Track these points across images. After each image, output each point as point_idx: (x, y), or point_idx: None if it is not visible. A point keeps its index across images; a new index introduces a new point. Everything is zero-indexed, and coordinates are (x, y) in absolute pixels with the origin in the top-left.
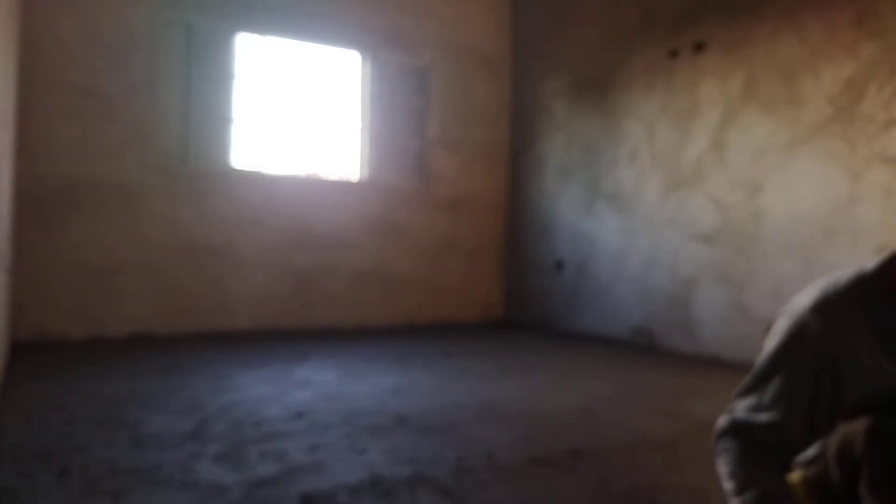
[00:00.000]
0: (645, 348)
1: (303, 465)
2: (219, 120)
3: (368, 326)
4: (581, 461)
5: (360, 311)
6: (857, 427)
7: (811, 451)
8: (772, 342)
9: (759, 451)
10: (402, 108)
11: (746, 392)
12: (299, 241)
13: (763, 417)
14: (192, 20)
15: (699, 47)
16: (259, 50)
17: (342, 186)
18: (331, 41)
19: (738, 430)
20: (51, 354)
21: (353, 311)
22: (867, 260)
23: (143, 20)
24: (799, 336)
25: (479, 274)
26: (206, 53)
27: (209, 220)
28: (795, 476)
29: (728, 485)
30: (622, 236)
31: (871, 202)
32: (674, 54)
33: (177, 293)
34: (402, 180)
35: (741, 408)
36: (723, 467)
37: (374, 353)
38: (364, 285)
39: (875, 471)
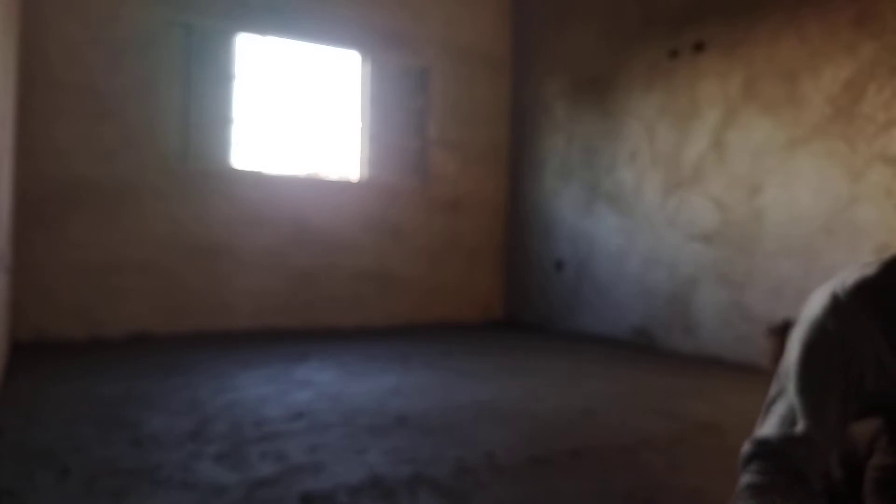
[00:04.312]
0: (645, 348)
1: (303, 465)
2: (219, 120)
3: (368, 326)
4: (581, 461)
5: (360, 311)
6: (860, 428)
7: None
8: (791, 353)
9: (790, 473)
10: (402, 109)
11: (769, 410)
12: (299, 241)
13: (797, 429)
14: (192, 20)
15: (699, 47)
16: (259, 50)
17: (342, 186)
18: (331, 41)
19: (767, 450)
20: (51, 354)
21: (353, 311)
22: (868, 262)
23: (143, 20)
24: (820, 339)
25: (478, 274)
26: (206, 53)
27: (209, 220)
28: None
29: None
30: (622, 236)
31: (871, 202)
32: (674, 54)
33: (177, 293)
34: (402, 180)
35: (767, 427)
36: (746, 499)
37: (374, 353)
38: (364, 285)
39: (882, 473)
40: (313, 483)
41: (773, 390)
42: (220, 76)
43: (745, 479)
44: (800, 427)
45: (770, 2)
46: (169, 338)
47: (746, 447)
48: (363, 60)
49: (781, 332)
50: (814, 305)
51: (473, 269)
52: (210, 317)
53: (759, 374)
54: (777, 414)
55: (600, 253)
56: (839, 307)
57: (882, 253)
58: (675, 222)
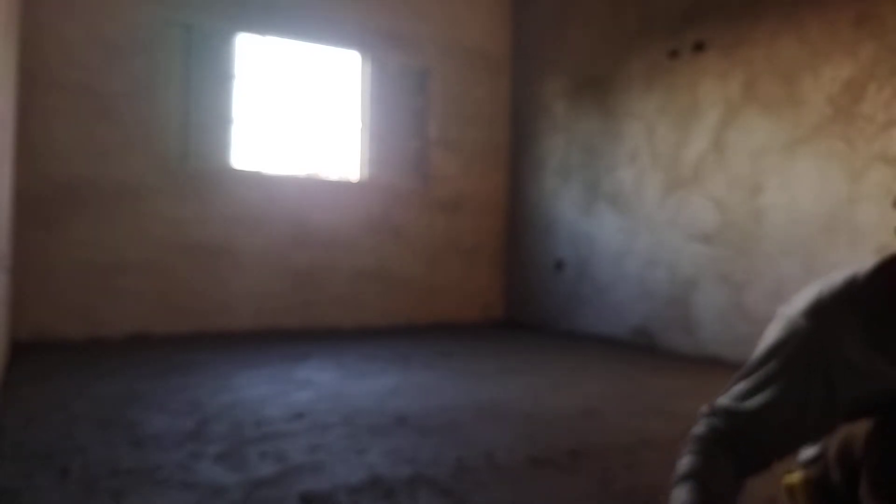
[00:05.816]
0: (645, 348)
1: (303, 465)
2: (219, 120)
3: (368, 326)
4: (581, 461)
5: (360, 311)
6: (858, 428)
7: (811, 452)
8: (762, 344)
9: (729, 437)
10: (402, 109)
11: (733, 385)
12: (299, 241)
13: (747, 405)
14: (192, 20)
15: (699, 47)
16: (259, 50)
17: (342, 186)
18: (331, 41)
19: (716, 412)
20: (51, 354)
21: (353, 311)
22: (864, 261)
23: (143, 20)
24: (789, 337)
25: (478, 274)
26: (206, 54)
27: (209, 220)
28: (796, 476)
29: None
30: (622, 236)
31: (871, 202)
32: (674, 54)
33: (177, 293)
34: (402, 180)
35: (724, 396)
36: (691, 447)
37: (374, 353)
38: (364, 285)
39: (876, 473)
40: (313, 483)
41: (743, 370)
42: (220, 76)
43: (696, 429)
44: (747, 404)
45: (770, 2)
46: (169, 338)
47: (703, 408)
48: (363, 60)
49: None
50: (796, 301)
51: (473, 269)
52: (210, 317)
53: None
54: (738, 388)
55: (600, 253)
56: (819, 307)
57: (882, 253)
58: (675, 222)
